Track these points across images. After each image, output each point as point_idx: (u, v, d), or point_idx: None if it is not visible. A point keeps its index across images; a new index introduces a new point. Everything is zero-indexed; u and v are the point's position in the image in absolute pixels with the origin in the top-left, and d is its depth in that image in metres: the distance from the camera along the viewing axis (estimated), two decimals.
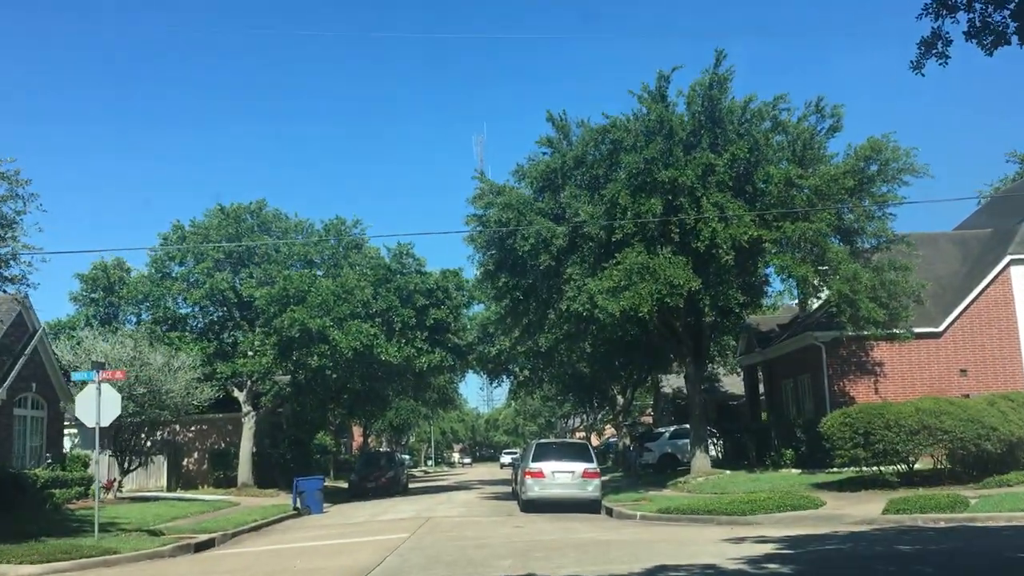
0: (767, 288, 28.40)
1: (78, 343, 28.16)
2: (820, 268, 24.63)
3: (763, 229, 23.92)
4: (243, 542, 19.36)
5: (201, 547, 17.95)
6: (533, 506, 23.60)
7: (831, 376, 28.11)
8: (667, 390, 53.56)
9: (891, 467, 21.29)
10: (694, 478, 26.88)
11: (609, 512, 22.66)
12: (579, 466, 23.78)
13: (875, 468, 21.24)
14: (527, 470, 24.07)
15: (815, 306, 32.74)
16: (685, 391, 52.29)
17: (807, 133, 24.94)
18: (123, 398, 27.05)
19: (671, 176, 23.48)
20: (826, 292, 28.35)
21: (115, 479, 29.42)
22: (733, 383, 47.35)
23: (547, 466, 23.78)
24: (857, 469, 21.79)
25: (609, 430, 68.13)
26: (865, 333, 25.56)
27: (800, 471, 26.05)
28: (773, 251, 24.28)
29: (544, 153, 26.36)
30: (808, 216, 24.06)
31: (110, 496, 27.93)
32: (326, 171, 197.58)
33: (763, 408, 36.96)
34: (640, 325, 26.89)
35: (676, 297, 23.70)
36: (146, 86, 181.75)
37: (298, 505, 27.23)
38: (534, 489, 23.65)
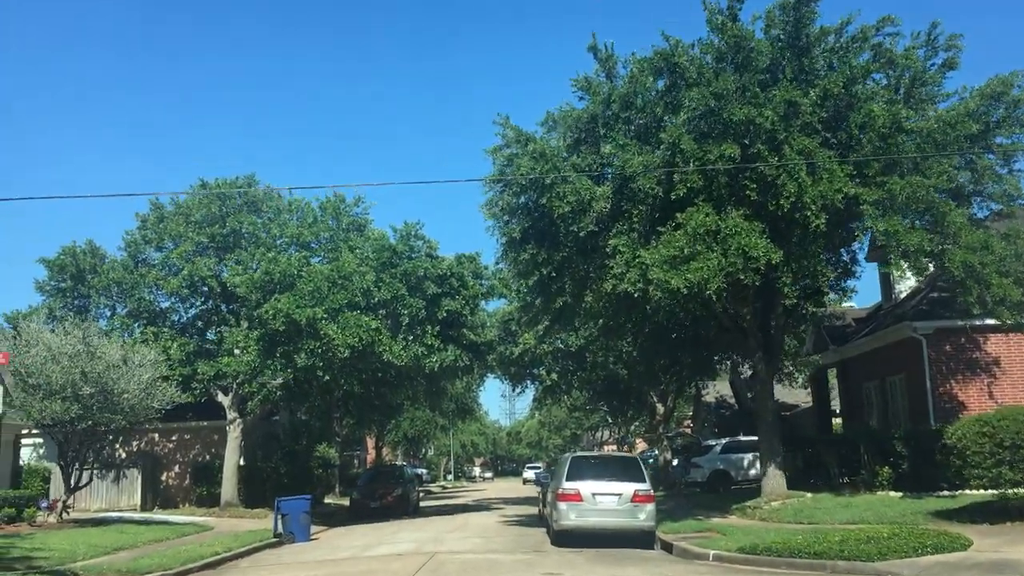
0: (856, 268, 23.17)
1: (17, 333, 23.32)
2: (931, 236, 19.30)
3: (861, 187, 18.72)
4: None
5: None
6: (568, 538, 18.53)
7: (934, 376, 22.75)
8: (709, 398, 48.39)
9: None
10: (767, 502, 21.65)
11: (668, 548, 17.50)
12: (628, 487, 18.60)
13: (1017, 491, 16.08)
14: (560, 492, 18.92)
15: (903, 294, 27.43)
16: (728, 399, 47.29)
17: (917, 65, 19.67)
18: (67, 398, 22.40)
19: (747, 115, 18.32)
20: (914, 276, 23.09)
21: (60, 498, 24.46)
22: (784, 392, 41.96)
23: (586, 487, 18.69)
24: (1000, 492, 16.55)
25: (641, 444, 62.80)
26: (989, 322, 20.27)
27: (901, 494, 20.79)
28: (874, 214, 18.88)
29: (581, 98, 21.23)
30: (920, 170, 18.82)
31: (52, 519, 23.03)
32: (323, 150, 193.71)
33: (832, 417, 31.55)
34: (705, 309, 21.68)
35: (751, 273, 18.55)
36: (136, 85, 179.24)
37: (280, 530, 22.42)
38: (569, 517, 18.54)
